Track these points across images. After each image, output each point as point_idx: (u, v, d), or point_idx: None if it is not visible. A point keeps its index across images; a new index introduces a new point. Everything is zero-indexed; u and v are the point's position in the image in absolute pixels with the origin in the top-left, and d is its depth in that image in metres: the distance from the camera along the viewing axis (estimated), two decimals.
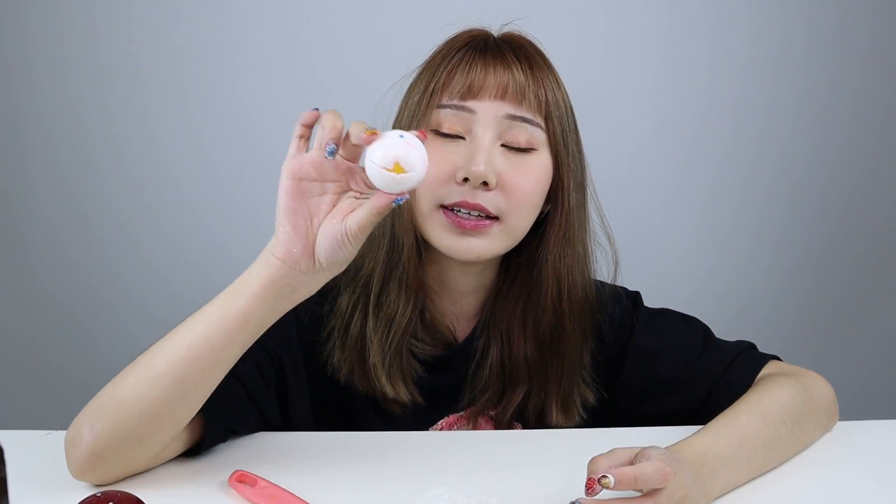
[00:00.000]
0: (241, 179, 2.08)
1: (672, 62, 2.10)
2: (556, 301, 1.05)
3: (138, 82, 2.03)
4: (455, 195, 0.98)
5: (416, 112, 1.02)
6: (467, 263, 1.03)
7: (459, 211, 0.98)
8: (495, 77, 0.99)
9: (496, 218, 0.99)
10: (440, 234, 1.00)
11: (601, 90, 2.04)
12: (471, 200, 0.97)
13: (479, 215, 0.98)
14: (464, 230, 0.98)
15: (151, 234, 2.10)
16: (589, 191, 1.08)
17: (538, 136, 1.01)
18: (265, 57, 2.04)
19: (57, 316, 2.12)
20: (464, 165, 0.97)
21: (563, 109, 1.03)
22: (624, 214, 1.11)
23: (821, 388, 1.05)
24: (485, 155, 0.97)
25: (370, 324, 1.04)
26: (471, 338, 1.09)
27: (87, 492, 0.75)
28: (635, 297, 1.16)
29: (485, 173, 0.96)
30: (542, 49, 1.06)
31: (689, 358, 1.09)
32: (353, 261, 0.95)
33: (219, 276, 1.18)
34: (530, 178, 1.00)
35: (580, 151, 1.06)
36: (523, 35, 1.07)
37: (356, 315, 1.05)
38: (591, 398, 1.10)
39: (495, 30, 1.07)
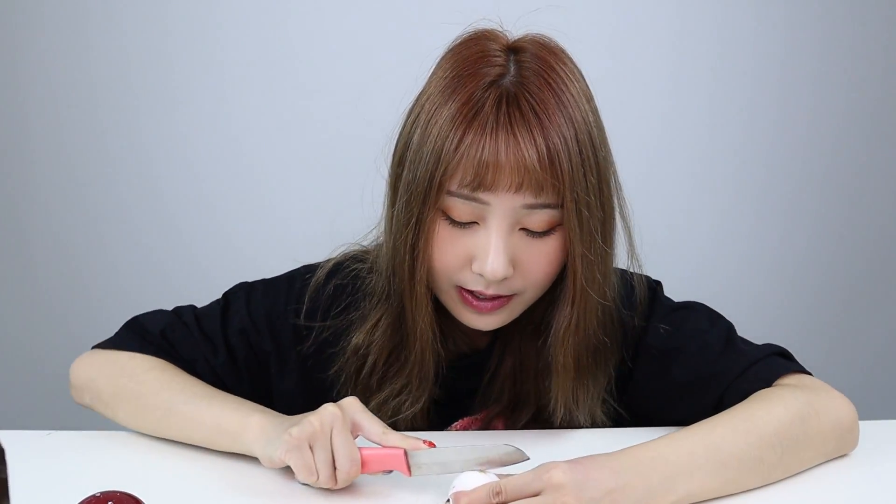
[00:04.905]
0: (240, 180, 2.08)
1: (681, 58, 2.09)
2: (563, 389, 1.00)
3: (132, 85, 2.03)
4: (470, 283, 0.93)
5: (426, 194, 0.91)
6: None
7: (474, 293, 0.94)
8: (508, 164, 0.87)
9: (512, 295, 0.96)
10: (459, 309, 0.97)
11: (614, 85, 2.02)
12: (486, 292, 0.93)
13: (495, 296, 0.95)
14: (482, 311, 0.95)
15: (153, 236, 2.09)
16: (617, 223, 0.98)
17: (559, 214, 0.91)
18: (265, 63, 2.03)
19: (58, 316, 2.11)
20: (479, 258, 0.91)
21: (586, 157, 0.91)
22: (641, 213, 1.02)
23: (836, 412, 0.95)
24: (501, 254, 0.90)
25: (386, 387, 1.02)
26: (489, 346, 1.06)
27: (87, 490, 0.75)
28: (654, 289, 1.08)
29: (502, 274, 0.91)
30: (562, 67, 0.93)
31: (705, 360, 1.01)
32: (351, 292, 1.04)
33: (220, 279, 1.19)
34: (550, 259, 0.94)
35: (601, 190, 0.93)
36: (545, 51, 0.93)
37: (367, 360, 1.03)
38: (605, 419, 1.06)
39: (509, 25, 0.97)
